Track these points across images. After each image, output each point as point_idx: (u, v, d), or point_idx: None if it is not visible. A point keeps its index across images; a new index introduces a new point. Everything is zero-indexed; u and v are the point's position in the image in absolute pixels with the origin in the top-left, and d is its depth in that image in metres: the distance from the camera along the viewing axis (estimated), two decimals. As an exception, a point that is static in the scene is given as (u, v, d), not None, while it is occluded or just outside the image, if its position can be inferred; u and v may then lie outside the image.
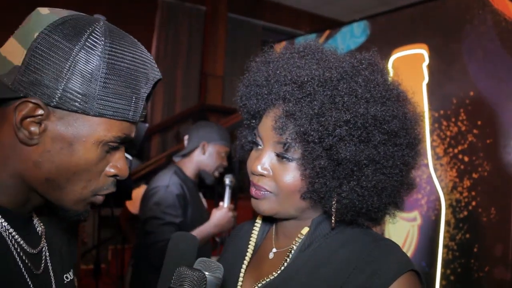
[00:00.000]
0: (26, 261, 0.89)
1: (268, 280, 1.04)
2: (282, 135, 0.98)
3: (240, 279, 1.10)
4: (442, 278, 2.48)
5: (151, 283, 2.42)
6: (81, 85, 0.80)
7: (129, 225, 3.97)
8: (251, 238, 1.17)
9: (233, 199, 3.14)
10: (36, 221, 0.98)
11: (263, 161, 1.03)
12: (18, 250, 0.88)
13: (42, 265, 0.95)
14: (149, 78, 0.87)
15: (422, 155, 1.06)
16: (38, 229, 0.97)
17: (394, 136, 0.97)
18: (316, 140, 0.94)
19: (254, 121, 1.12)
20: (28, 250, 0.90)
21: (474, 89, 2.41)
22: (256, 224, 1.20)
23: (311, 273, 0.99)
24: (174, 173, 2.73)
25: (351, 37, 3.13)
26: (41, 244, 0.96)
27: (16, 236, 0.88)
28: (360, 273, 0.94)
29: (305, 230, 1.05)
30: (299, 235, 1.06)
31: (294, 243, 1.06)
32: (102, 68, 0.81)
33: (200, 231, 2.56)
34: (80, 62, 0.80)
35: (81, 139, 0.83)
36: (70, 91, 0.80)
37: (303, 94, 0.96)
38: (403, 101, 1.02)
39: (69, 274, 1.06)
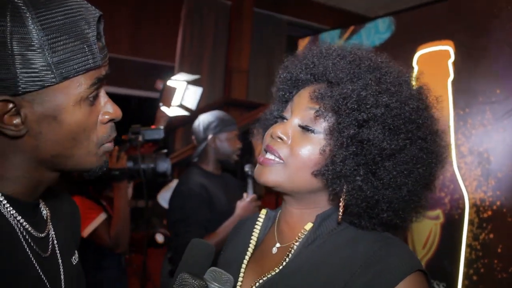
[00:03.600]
0: (33, 246, 0.92)
1: (269, 276, 1.03)
2: (319, 101, 0.99)
3: (241, 274, 1.09)
4: (464, 278, 2.45)
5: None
6: (31, 62, 0.79)
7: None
8: (253, 233, 1.16)
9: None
10: (42, 206, 1.01)
11: (286, 127, 1.03)
12: (25, 235, 0.91)
13: (50, 248, 0.98)
14: (89, 21, 0.85)
15: (438, 178, 1.07)
16: (44, 213, 1.01)
17: (421, 139, 0.99)
18: (351, 111, 0.95)
19: (288, 94, 1.14)
20: (35, 234, 0.93)
21: (500, 87, 2.36)
22: (259, 218, 1.18)
23: (314, 270, 0.98)
24: (194, 173, 2.78)
25: (376, 33, 3.10)
26: (48, 228, 0.99)
27: (24, 222, 0.91)
28: (365, 272, 0.92)
29: (309, 226, 1.04)
30: (302, 231, 1.05)
31: (297, 238, 1.05)
32: (41, 36, 0.79)
33: (225, 227, 2.59)
34: (18, 42, 0.77)
35: (61, 107, 0.84)
36: (26, 73, 0.79)
37: (350, 69, 1.00)
38: (435, 120, 1.05)
39: (75, 257, 1.09)
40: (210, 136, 2.82)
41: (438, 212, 2.61)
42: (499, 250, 2.33)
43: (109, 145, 0.95)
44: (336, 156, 0.96)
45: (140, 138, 2.43)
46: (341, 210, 0.99)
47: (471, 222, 2.45)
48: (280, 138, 1.02)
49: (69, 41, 0.81)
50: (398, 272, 0.91)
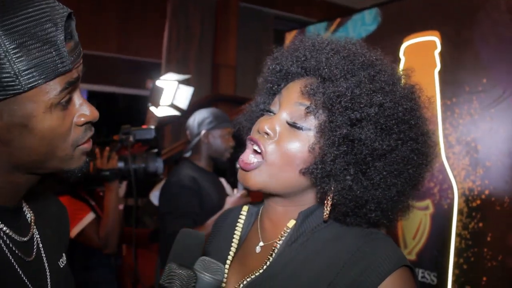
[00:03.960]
0: (15, 250, 0.89)
1: (253, 276, 1.00)
2: (310, 97, 0.96)
3: (225, 275, 1.06)
4: (454, 267, 2.46)
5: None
6: None
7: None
8: (235, 231, 1.14)
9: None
10: (26, 209, 0.98)
11: (274, 123, 0.99)
12: (6, 239, 0.88)
13: (34, 251, 0.95)
14: (56, 21, 0.78)
15: (424, 180, 1.06)
16: (28, 217, 0.98)
17: (412, 140, 0.97)
18: (345, 110, 0.93)
19: (277, 86, 1.10)
20: (17, 239, 0.91)
21: (487, 76, 2.37)
22: (241, 216, 1.16)
23: (298, 269, 0.96)
24: (185, 167, 2.79)
25: (362, 25, 3.10)
26: (31, 232, 0.96)
27: (4, 227, 0.88)
28: (350, 269, 0.91)
29: (291, 223, 1.02)
30: (285, 229, 1.02)
31: (280, 236, 1.02)
32: (4, 43, 0.74)
33: (213, 220, 2.58)
34: None
35: (31, 116, 0.80)
36: None
37: (344, 65, 0.97)
38: (426, 120, 1.04)
39: (63, 260, 1.06)
40: (203, 132, 2.82)
41: (427, 202, 2.62)
42: (488, 239, 2.34)
43: (85, 146, 0.91)
44: (326, 155, 0.93)
45: (131, 138, 2.44)
46: (328, 209, 0.97)
47: (460, 212, 2.47)
48: (267, 134, 0.99)
49: (35, 46, 0.76)
50: (384, 269, 0.89)
